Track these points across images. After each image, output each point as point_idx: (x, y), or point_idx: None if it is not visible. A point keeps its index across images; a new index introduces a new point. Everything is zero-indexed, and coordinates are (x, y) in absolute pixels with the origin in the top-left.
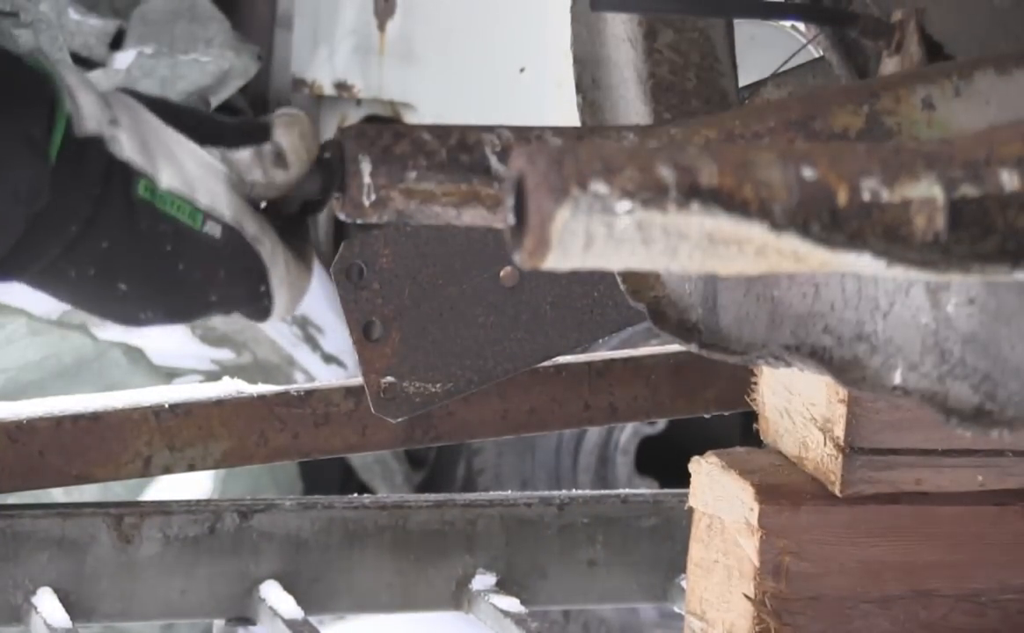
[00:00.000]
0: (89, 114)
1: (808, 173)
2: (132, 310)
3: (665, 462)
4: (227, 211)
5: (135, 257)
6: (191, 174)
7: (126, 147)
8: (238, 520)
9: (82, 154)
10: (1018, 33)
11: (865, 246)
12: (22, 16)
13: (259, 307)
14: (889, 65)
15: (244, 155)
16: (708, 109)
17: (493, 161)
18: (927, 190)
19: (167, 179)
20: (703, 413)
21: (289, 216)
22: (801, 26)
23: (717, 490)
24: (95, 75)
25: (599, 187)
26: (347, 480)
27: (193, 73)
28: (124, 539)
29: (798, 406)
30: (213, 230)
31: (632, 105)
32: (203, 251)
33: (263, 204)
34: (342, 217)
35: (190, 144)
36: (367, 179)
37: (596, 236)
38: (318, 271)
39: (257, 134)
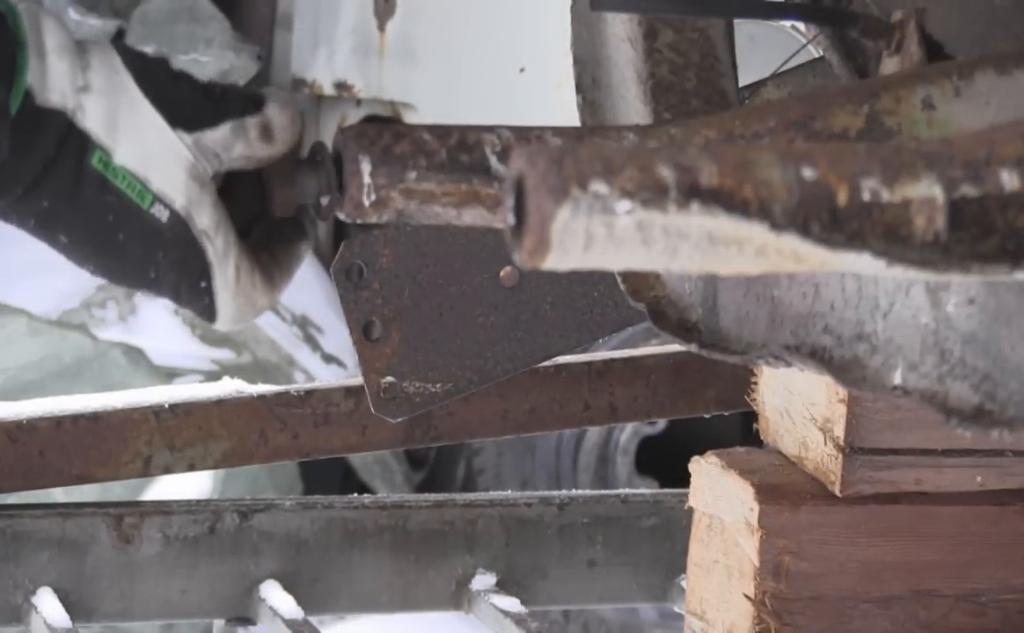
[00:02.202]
0: (55, 85)
1: (808, 173)
2: (76, 260)
3: (665, 462)
4: (179, 199)
5: (75, 220)
6: (151, 155)
7: (90, 116)
8: (238, 520)
9: (38, 123)
10: (1018, 33)
11: (865, 246)
12: None
13: (201, 305)
14: (889, 65)
15: (224, 131)
16: (708, 109)
17: (493, 161)
18: (927, 190)
19: (123, 156)
20: (703, 413)
21: (281, 223)
22: (801, 26)
23: (717, 490)
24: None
25: (599, 187)
26: (347, 480)
27: (193, 73)
28: (124, 539)
29: (798, 406)
30: (160, 213)
31: (632, 105)
32: (145, 230)
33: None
34: (342, 217)
35: (160, 122)
36: (367, 179)
37: (596, 236)
38: (318, 271)
39: (248, 104)
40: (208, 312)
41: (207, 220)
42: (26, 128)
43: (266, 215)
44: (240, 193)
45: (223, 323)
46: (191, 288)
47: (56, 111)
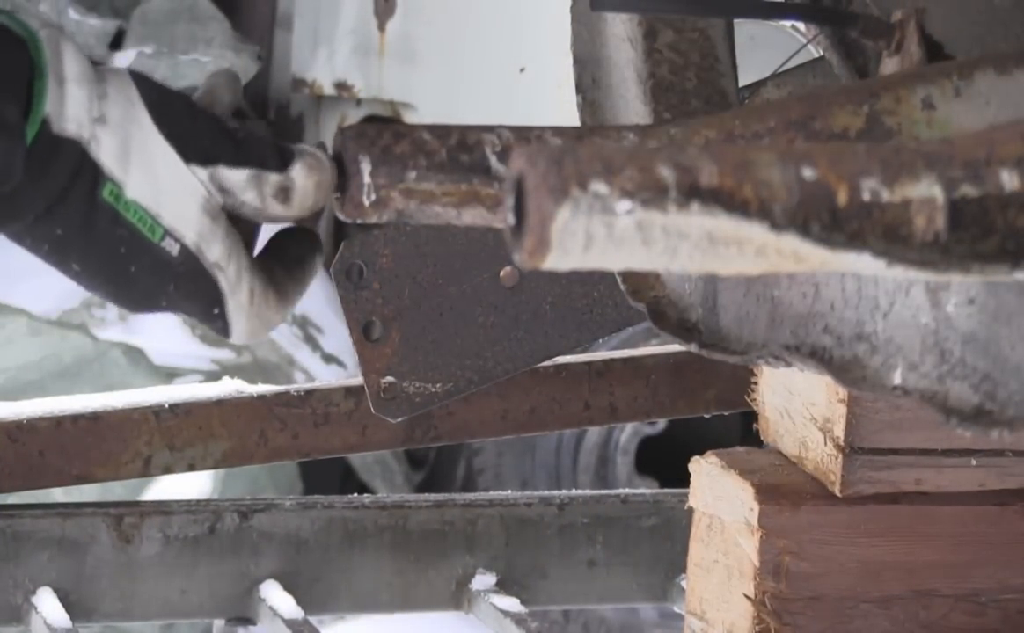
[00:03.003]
0: (72, 114)
1: (808, 173)
2: (87, 287)
3: (665, 462)
4: (189, 234)
5: (87, 249)
6: (162, 190)
7: (104, 149)
8: (238, 520)
9: (54, 151)
10: (1018, 33)
11: (865, 246)
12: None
13: (214, 326)
14: (889, 65)
15: (240, 175)
16: (708, 109)
17: (493, 161)
18: (927, 190)
19: (135, 190)
20: (703, 413)
21: (294, 234)
22: (801, 26)
23: (717, 490)
24: None
25: (599, 187)
26: (347, 480)
27: (193, 73)
28: (124, 539)
29: (798, 406)
30: (171, 247)
31: (632, 105)
32: (156, 263)
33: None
34: (342, 217)
35: (174, 157)
36: (367, 179)
37: (596, 236)
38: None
39: (271, 159)
40: (223, 332)
41: (218, 252)
42: (41, 156)
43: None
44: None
45: (237, 339)
46: (204, 314)
47: (71, 141)
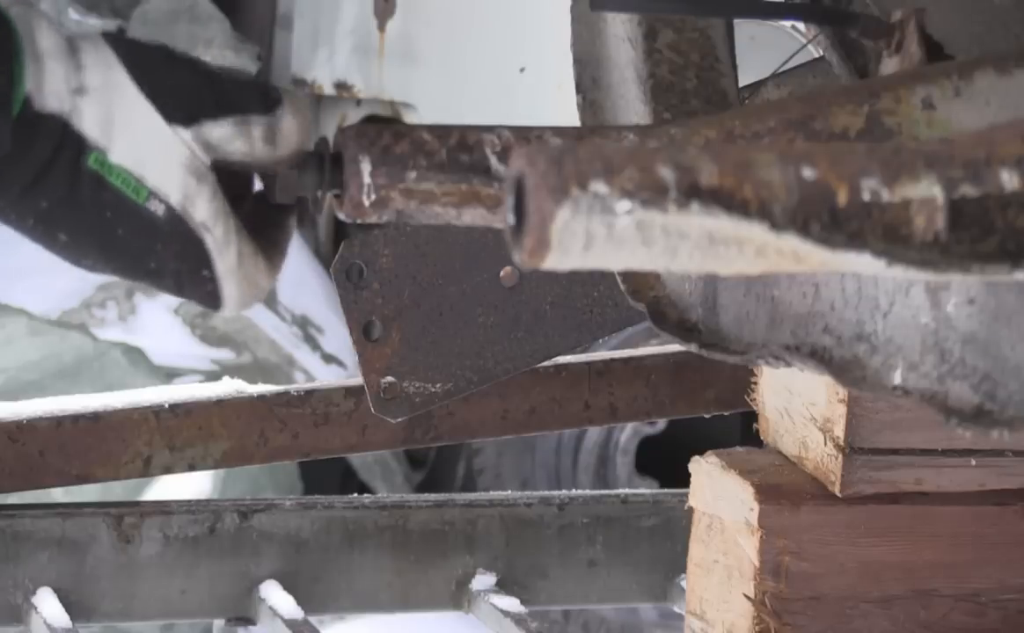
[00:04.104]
0: (52, 89)
1: (808, 173)
2: (74, 257)
3: (665, 462)
4: (174, 194)
5: (74, 218)
6: (146, 152)
7: (86, 119)
8: (238, 520)
9: (36, 127)
10: (1018, 33)
11: (865, 246)
12: None
13: (204, 292)
14: (889, 65)
15: (225, 126)
16: (708, 109)
17: (493, 161)
18: (927, 190)
19: (119, 155)
20: (703, 413)
21: (265, 201)
22: (801, 26)
23: (717, 490)
24: None
25: (599, 187)
26: (347, 480)
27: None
28: (124, 539)
29: (798, 406)
30: (156, 208)
31: (632, 105)
32: (142, 225)
33: (258, 186)
34: (342, 217)
35: (155, 119)
36: (367, 179)
37: (596, 236)
38: (318, 271)
39: (255, 103)
40: (212, 299)
41: (204, 212)
42: (25, 133)
43: (249, 195)
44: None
45: (229, 308)
46: (192, 276)
47: (53, 116)
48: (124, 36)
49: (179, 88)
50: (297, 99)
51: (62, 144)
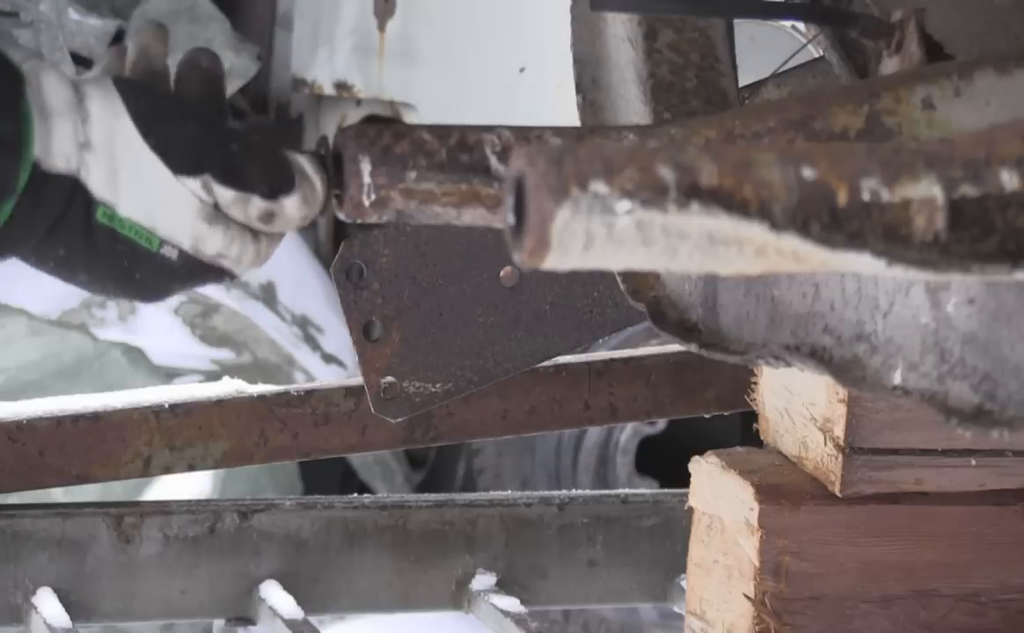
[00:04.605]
0: (59, 149)
1: (808, 173)
2: (97, 293)
3: (665, 462)
4: (186, 240)
5: (91, 264)
6: (154, 205)
7: (92, 174)
8: (238, 520)
9: (46, 187)
10: (1018, 33)
11: (865, 246)
12: (22, 16)
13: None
14: (889, 65)
15: (226, 193)
16: (708, 109)
17: (493, 161)
18: (927, 190)
19: (127, 209)
20: (703, 413)
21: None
22: (801, 26)
23: (717, 490)
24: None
25: (599, 187)
26: (347, 480)
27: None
28: (124, 539)
29: (798, 406)
30: (170, 253)
31: (632, 105)
32: (159, 268)
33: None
34: (342, 217)
35: (163, 171)
36: (367, 179)
37: (596, 236)
38: (318, 271)
39: (261, 184)
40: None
41: (218, 246)
42: (35, 194)
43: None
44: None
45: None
46: (215, 286)
47: (61, 175)
48: (134, 83)
49: (188, 144)
50: (310, 188)
51: (72, 198)
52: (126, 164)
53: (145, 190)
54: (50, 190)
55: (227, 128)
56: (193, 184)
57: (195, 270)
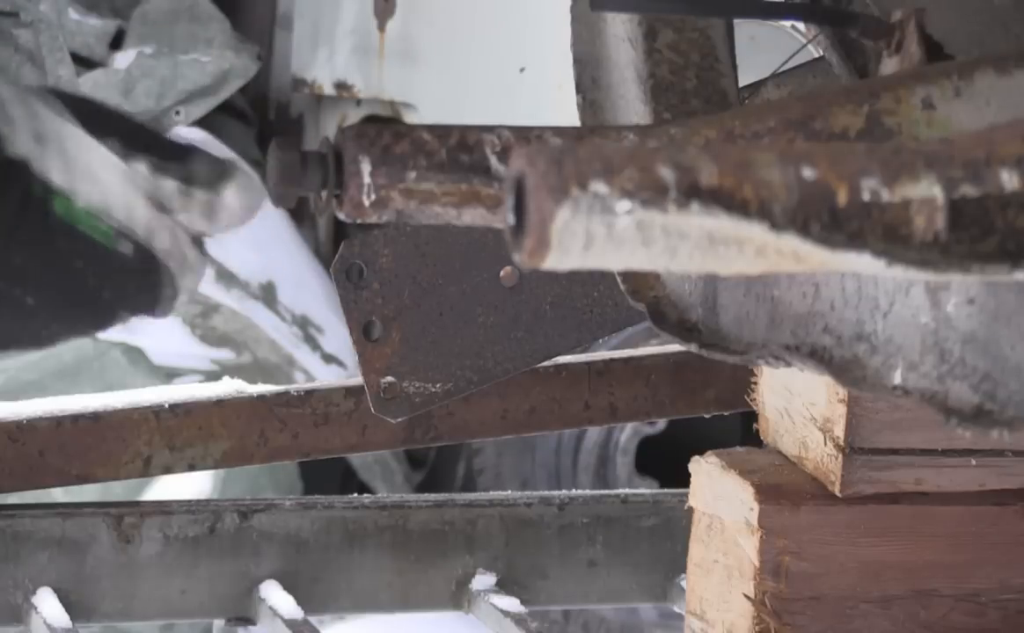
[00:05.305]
0: (16, 136)
1: (808, 173)
2: (36, 326)
3: (665, 462)
4: (139, 228)
5: (48, 272)
6: (107, 187)
7: (47, 164)
8: (238, 520)
9: (6, 174)
10: (1018, 33)
11: (865, 246)
12: (22, 16)
13: (168, 307)
14: (889, 65)
15: (169, 184)
16: (708, 109)
17: (493, 161)
18: (927, 190)
19: (84, 197)
20: (703, 413)
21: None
22: (801, 26)
23: (717, 490)
24: (95, 75)
25: (599, 187)
26: (347, 480)
27: (193, 73)
28: (124, 539)
29: (798, 406)
30: (125, 248)
31: (632, 105)
32: (115, 268)
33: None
34: (342, 217)
35: (111, 157)
36: (367, 179)
37: (596, 236)
38: (318, 271)
39: (198, 176)
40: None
41: (168, 240)
42: None
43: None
44: None
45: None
46: (162, 302)
47: (20, 161)
48: (70, 93)
49: (130, 134)
50: (247, 179)
51: (30, 192)
52: (78, 153)
53: (98, 175)
54: (11, 177)
55: (161, 135)
56: (141, 167)
57: (150, 269)
